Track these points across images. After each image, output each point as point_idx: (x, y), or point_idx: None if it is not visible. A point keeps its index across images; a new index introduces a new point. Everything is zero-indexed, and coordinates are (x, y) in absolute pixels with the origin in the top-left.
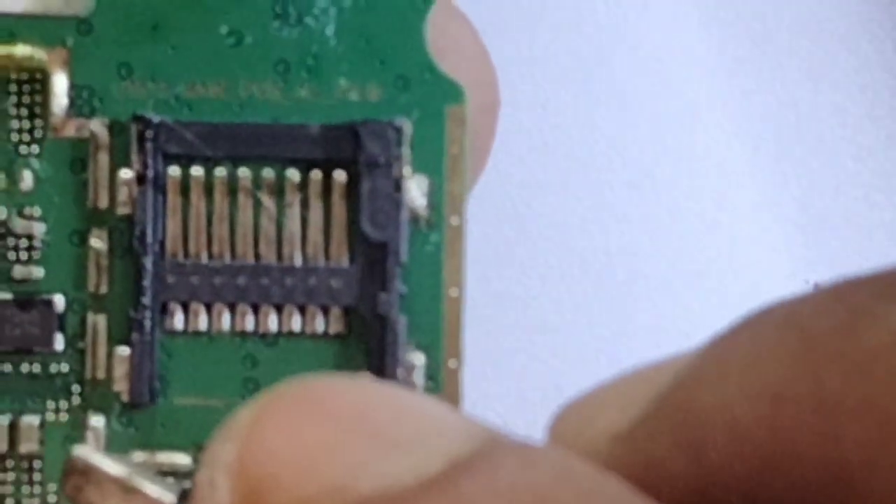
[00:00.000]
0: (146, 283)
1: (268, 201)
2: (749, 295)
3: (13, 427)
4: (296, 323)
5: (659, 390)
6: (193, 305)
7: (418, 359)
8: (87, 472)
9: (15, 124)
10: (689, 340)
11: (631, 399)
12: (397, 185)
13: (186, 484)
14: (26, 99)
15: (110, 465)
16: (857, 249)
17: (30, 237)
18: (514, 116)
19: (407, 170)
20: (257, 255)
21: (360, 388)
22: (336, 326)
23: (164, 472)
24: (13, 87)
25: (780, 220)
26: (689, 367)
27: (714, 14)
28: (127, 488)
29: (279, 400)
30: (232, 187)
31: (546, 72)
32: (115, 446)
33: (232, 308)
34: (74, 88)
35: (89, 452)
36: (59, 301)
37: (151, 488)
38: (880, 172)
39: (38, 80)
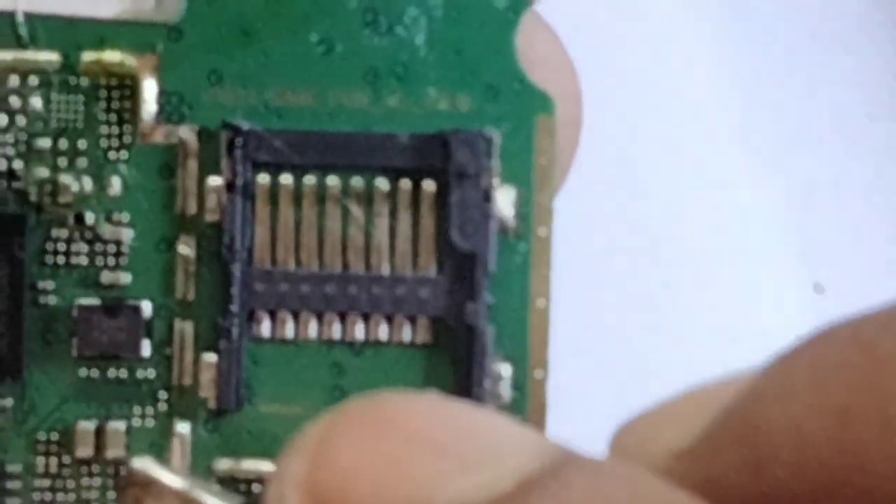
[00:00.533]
0: (234, 290)
1: (356, 210)
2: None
3: (100, 432)
4: (383, 332)
5: (723, 407)
6: (281, 313)
7: (505, 369)
8: (146, 485)
9: (104, 130)
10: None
11: (694, 415)
12: (486, 196)
13: (250, 497)
14: (116, 105)
15: (170, 478)
16: (859, 251)
17: (118, 243)
18: (598, 128)
19: (496, 180)
20: (345, 264)
21: (430, 404)
22: (423, 336)
23: (249, 480)
24: (103, 93)
25: (780, 219)
26: (754, 385)
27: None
28: (187, 500)
29: (349, 416)
30: (320, 196)
31: (630, 85)
32: (200, 453)
33: (319, 316)
34: (164, 95)
35: (149, 464)
36: (147, 307)
37: (212, 501)
38: (880, 172)
39: (127, 87)
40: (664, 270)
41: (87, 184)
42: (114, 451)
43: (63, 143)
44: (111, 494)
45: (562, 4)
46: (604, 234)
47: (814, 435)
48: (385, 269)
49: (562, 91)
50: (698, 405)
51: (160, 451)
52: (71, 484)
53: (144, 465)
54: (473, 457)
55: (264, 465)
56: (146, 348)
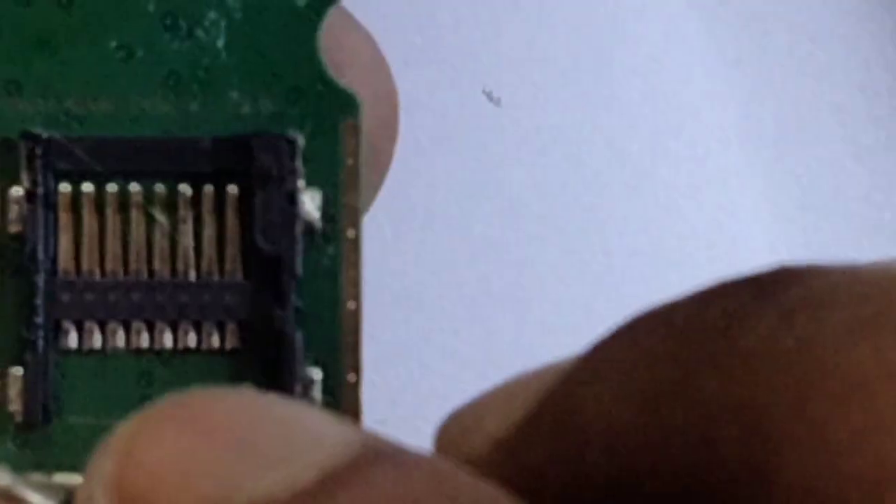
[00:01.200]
0: (38, 301)
1: (160, 216)
2: None
3: None
4: (191, 339)
5: (540, 394)
6: (87, 323)
7: (316, 374)
8: None
9: None
10: None
11: (514, 404)
12: (291, 199)
13: (71, 493)
14: None
15: (12, 483)
16: (857, 249)
17: None
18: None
19: (300, 183)
20: (151, 272)
21: (236, 400)
22: (232, 342)
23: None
24: None
25: (780, 219)
26: (569, 370)
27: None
28: (10, 498)
29: (156, 414)
30: (123, 203)
31: (544, 72)
32: (11, 468)
33: (126, 325)
34: None
35: None
36: None
37: (35, 497)
38: (880, 172)
39: None
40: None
41: None
42: None
43: None
44: None
45: (375, 3)
46: (429, 229)
47: (622, 420)
48: (191, 276)
49: (375, 91)
50: (519, 393)
51: None
52: None
53: None
54: (277, 452)
55: (76, 479)
56: None
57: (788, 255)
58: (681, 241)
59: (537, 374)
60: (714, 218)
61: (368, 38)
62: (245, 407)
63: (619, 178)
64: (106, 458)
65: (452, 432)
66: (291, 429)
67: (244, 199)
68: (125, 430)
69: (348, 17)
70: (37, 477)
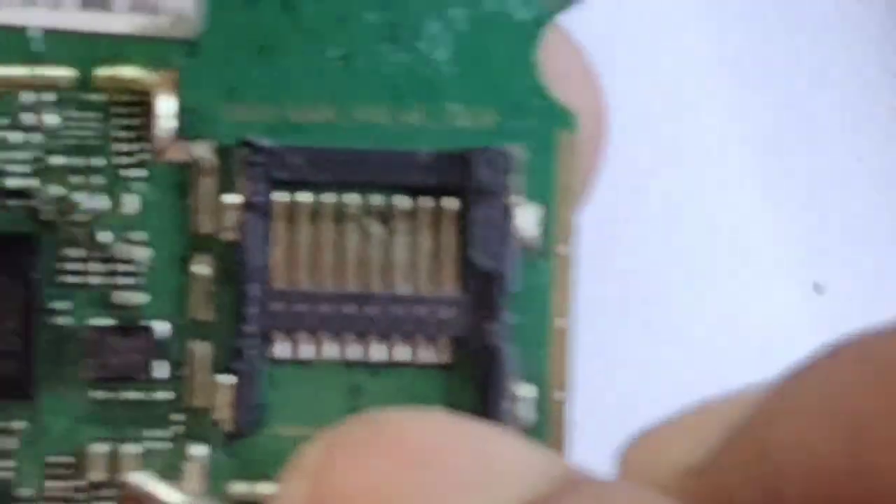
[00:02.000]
0: (250, 310)
1: (376, 228)
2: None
3: (113, 455)
4: (402, 353)
5: (733, 423)
6: (298, 334)
7: (525, 391)
8: (142, 500)
9: (120, 147)
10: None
11: (704, 431)
12: (508, 214)
13: None
14: (131, 122)
15: (167, 493)
16: (862, 251)
17: (132, 262)
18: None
19: (517, 197)
20: (364, 284)
21: (434, 423)
22: (443, 356)
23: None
24: (118, 110)
25: (784, 220)
26: (765, 401)
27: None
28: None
29: (349, 436)
30: (339, 214)
31: (654, 98)
32: (215, 476)
33: (337, 337)
34: (181, 111)
35: (145, 479)
36: (161, 328)
37: None
38: (881, 172)
39: (143, 103)
40: (691, 287)
41: (102, 202)
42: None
43: (77, 161)
44: None
45: (586, 18)
46: (628, 251)
47: (824, 454)
48: (405, 289)
49: (585, 105)
50: (708, 421)
51: (174, 475)
52: None
53: (141, 480)
54: (478, 479)
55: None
56: (161, 370)
57: (793, 257)
58: (708, 256)
59: (729, 401)
60: (744, 231)
61: (580, 52)
62: (441, 431)
63: (644, 193)
64: (300, 479)
65: (638, 457)
66: (489, 456)
67: (461, 214)
68: (317, 450)
69: (561, 31)
70: (192, 486)
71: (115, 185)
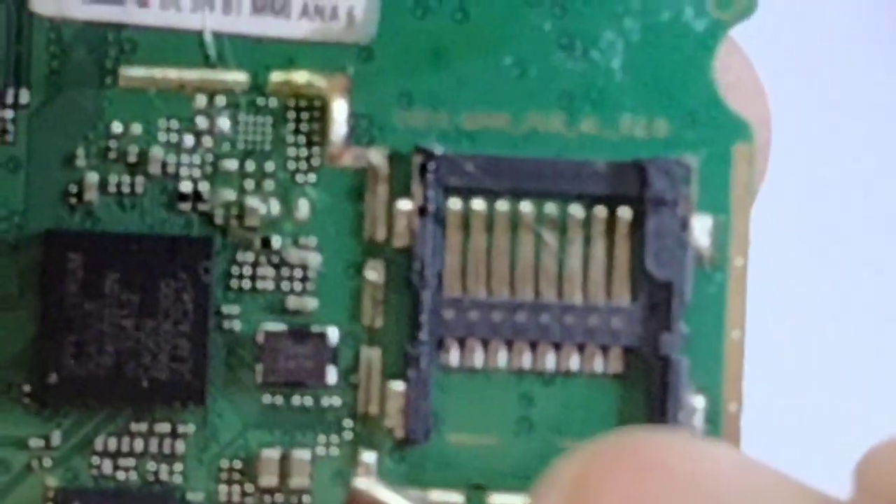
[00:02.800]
0: (424, 318)
1: (550, 237)
2: None
3: (284, 460)
4: (574, 362)
5: None
6: (470, 342)
7: (698, 402)
8: None
9: (292, 152)
10: None
11: None
12: (684, 224)
13: None
14: (304, 127)
15: (395, 500)
16: None
17: (304, 268)
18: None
19: (693, 208)
20: (537, 292)
21: (689, 445)
22: (615, 366)
23: None
24: (291, 115)
25: None
26: None
27: None
28: None
29: (607, 454)
30: (513, 222)
31: (817, 107)
32: (385, 483)
33: (509, 345)
34: (354, 117)
35: (372, 485)
36: (334, 334)
37: None
38: None
39: (316, 108)
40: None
41: (274, 207)
42: (298, 481)
43: (250, 165)
44: None
45: (752, 29)
46: (794, 258)
47: None
48: (578, 298)
49: (754, 116)
50: None
51: (344, 481)
52: None
53: (367, 485)
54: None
55: (452, 497)
56: (332, 376)
57: None
58: (879, 263)
59: None
60: None
61: (749, 63)
62: (698, 453)
63: (810, 203)
64: (555, 496)
65: (878, 471)
66: (752, 483)
67: (635, 223)
68: (572, 468)
69: (732, 42)
70: (414, 492)
71: (287, 190)
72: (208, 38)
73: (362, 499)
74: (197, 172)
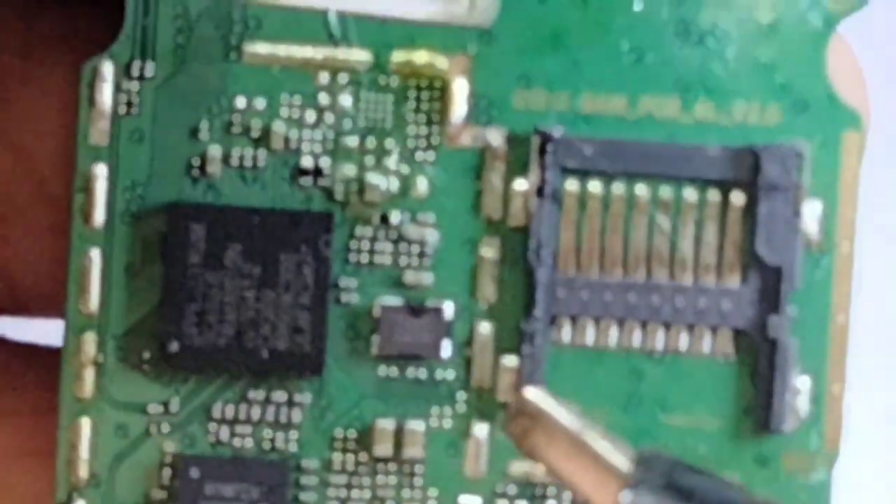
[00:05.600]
0: (538, 295)
1: (663, 220)
2: None
3: (398, 431)
4: (683, 342)
5: None
6: (582, 320)
7: (803, 383)
8: (537, 417)
9: (412, 130)
10: None
11: None
12: (795, 210)
13: (643, 451)
14: (424, 106)
15: (564, 416)
16: None
17: (422, 244)
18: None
19: (804, 194)
20: (649, 273)
21: None
22: (723, 347)
23: (545, 484)
24: (412, 94)
25: None
26: None
27: None
28: (576, 442)
29: None
30: (628, 204)
31: None
32: (497, 455)
33: (620, 324)
34: (473, 97)
35: (542, 396)
36: (449, 308)
37: (603, 446)
38: None
39: (436, 88)
40: None
41: (394, 184)
42: (411, 451)
43: (370, 142)
44: (407, 493)
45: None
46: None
47: None
48: (689, 280)
49: (857, 105)
50: None
51: (457, 453)
52: (367, 482)
53: (538, 396)
54: None
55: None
56: (447, 349)
57: None
58: None
59: None
60: None
61: (852, 53)
62: None
63: None
64: None
65: None
66: None
67: (748, 208)
68: None
69: (838, 34)
70: (576, 407)
71: (406, 168)
72: (332, 16)
73: (532, 409)
74: (318, 148)
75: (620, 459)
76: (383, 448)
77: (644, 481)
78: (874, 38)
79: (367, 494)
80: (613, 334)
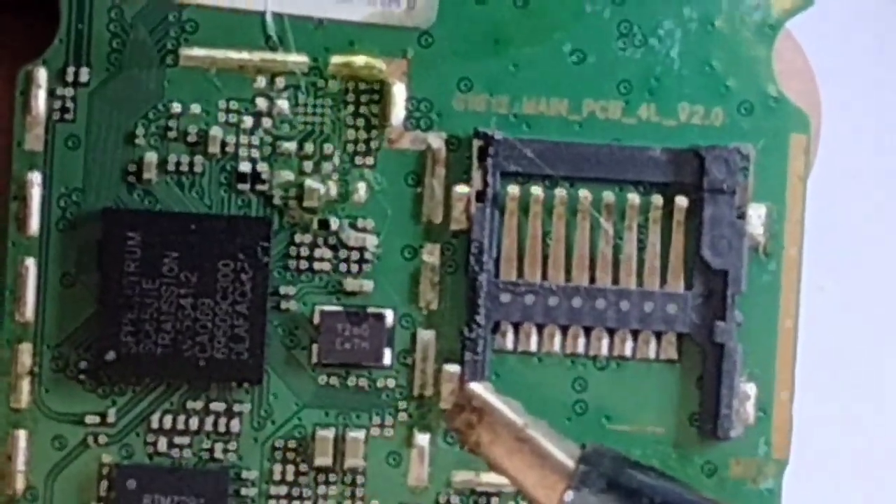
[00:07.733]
0: (480, 301)
1: (606, 224)
2: None
3: (339, 441)
4: (628, 347)
5: None
6: (525, 326)
7: (750, 389)
8: (482, 412)
9: (351, 134)
10: None
11: None
12: (740, 213)
13: (587, 449)
14: (363, 109)
15: (507, 410)
16: None
17: (362, 250)
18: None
19: (749, 197)
20: (592, 278)
21: None
22: (668, 352)
23: (488, 494)
24: (351, 97)
25: None
26: None
27: None
28: (521, 438)
29: None
30: (571, 208)
31: (869, 95)
32: (439, 465)
33: (564, 330)
34: (413, 101)
35: (486, 392)
36: (390, 315)
37: (548, 444)
38: None
39: (375, 91)
40: None
41: (333, 189)
42: (352, 461)
43: (309, 147)
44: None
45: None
46: (847, 247)
47: None
48: (633, 285)
49: (805, 103)
50: None
51: (399, 462)
52: (308, 492)
53: (483, 390)
54: None
55: (503, 478)
56: (388, 357)
57: None
58: None
59: None
60: None
61: (801, 51)
62: None
63: (859, 190)
64: None
65: None
66: None
67: (692, 211)
68: None
69: (785, 30)
70: (515, 403)
71: (345, 173)
72: (269, 19)
73: (477, 403)
74: (256, 153)
75: (564, 457)
76: (323, 458)
77: (587, 480)
78: (827, 37)
79: None
80: (557, 340)
